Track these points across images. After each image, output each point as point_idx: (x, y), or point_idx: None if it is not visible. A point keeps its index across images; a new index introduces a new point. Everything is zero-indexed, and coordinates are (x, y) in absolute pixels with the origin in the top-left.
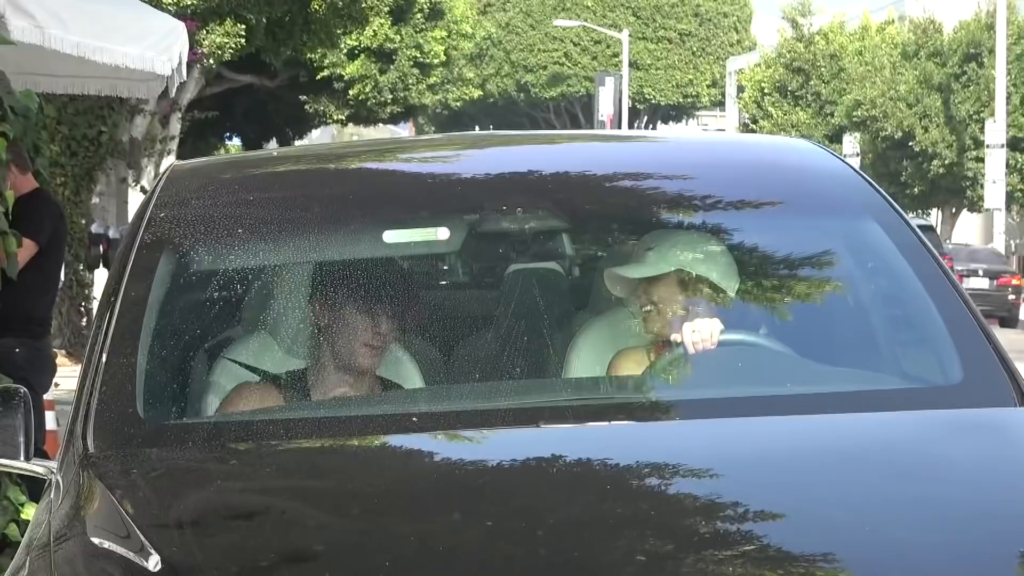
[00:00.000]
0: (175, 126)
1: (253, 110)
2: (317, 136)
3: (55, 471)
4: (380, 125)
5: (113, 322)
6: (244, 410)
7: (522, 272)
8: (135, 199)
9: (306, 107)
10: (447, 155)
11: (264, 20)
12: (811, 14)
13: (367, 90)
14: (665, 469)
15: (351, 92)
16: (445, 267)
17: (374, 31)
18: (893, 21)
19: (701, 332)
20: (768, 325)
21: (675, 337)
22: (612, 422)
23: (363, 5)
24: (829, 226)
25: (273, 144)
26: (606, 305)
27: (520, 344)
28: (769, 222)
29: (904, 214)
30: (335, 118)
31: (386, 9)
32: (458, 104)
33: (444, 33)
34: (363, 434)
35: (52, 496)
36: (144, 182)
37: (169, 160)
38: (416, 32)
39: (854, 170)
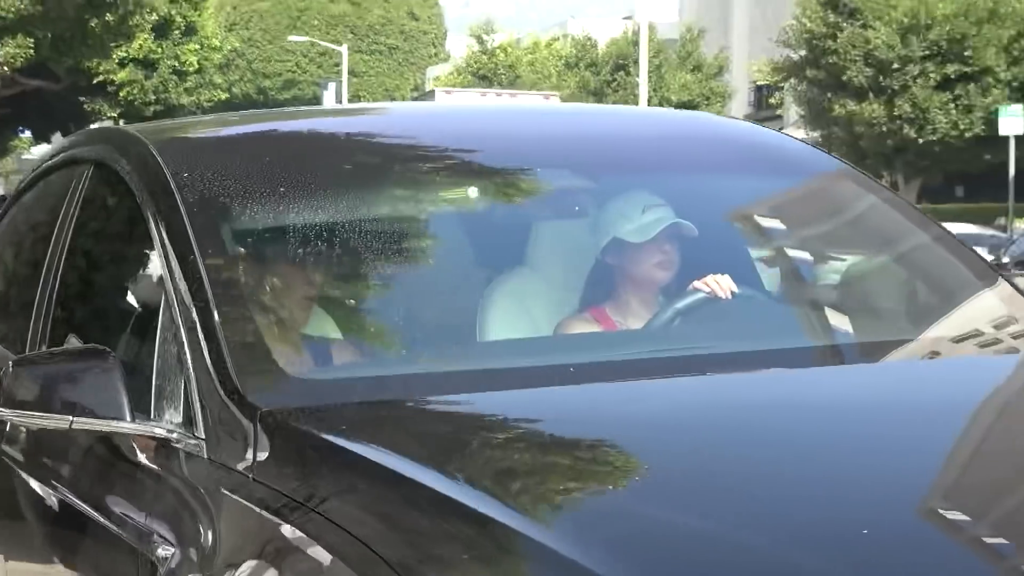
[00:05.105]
0: None
1: (41, 109)
2: None
3: (189, 433)
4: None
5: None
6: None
7: (549, 226)
8: None
9: (85, 106)
10: (421, 119)
11: (50, 35)
12: (493, 32)
13: (135, 92)
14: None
15: (121, 94)
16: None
17: (140, 44)
18: (558, 38)
19: (721, 282)
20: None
21: (697, 285)
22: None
23: (131, 23)
24: (819, 187)
25: (58, 137)
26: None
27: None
28: (766, 191)
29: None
30: (108, 115)
31: (149, 27)
32: (209, 104)
33: (197, 46)
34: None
35: (206, 459)
36: None
37: None
38: (175, 45)
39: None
